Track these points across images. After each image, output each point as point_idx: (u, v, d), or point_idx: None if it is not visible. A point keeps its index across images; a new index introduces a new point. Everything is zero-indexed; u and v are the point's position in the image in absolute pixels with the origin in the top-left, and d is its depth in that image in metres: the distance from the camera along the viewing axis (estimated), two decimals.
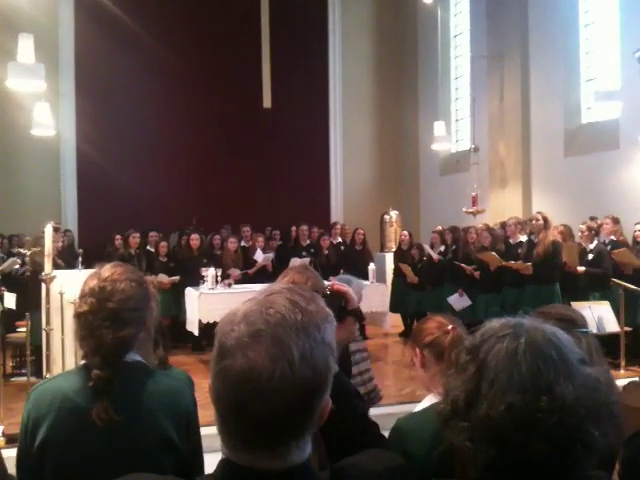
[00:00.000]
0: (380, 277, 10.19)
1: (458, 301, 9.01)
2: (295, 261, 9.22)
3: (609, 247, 8.05)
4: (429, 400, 2.15)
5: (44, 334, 5.44)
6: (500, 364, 1.10)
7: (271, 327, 0.98)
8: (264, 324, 0.98)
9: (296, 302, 1.02)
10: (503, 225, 9.24)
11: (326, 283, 2.28)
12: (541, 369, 1.08)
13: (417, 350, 2.23)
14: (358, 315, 1.43)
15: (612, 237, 8.21)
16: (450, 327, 2.11)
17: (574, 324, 1.89)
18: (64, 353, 5.21)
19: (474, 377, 1.12)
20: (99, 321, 1.74)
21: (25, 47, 7.40)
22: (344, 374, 1.52)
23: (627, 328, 7.34)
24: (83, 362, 1.79)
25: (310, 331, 0.99)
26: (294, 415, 0.98)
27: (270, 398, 0.95)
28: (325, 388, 1.02)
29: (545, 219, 7.94)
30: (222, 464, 1.04)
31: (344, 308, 1.41)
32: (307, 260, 9.70)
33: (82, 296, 1.81)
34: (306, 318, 1.00)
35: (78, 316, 1.79)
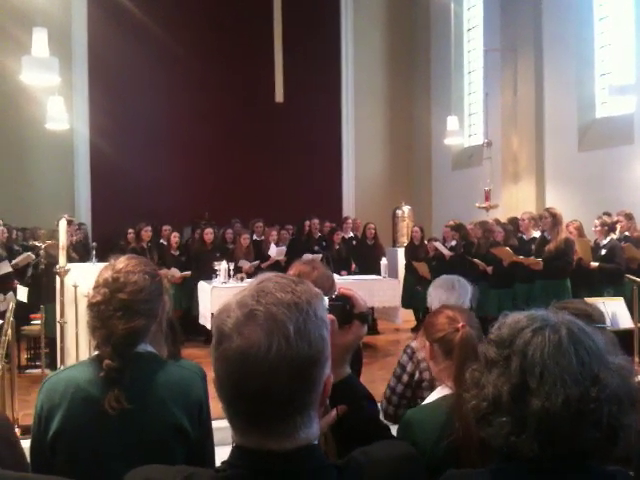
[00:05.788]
0: (392, 272, 10.16)
1: None
2: (307, 257, 9.20)
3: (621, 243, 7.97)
4: (438, 392, 2.15)
5: (58, 326, 5.47)
6: (546, 356, 1.10)
7: (263, 306, 1.02)
8: (257, 305, 1.02)
9: (285, 284, 1.06)
10: (514, 220, 9.18)
11: (336, 277, 2.29)
12: (585, 360, 1.09)
13: (427, 343, 2.23)
14: (364, 319, 1.43)
15: (626, 233, 8.13)
16: (460, 324, 2.10)
17: (591, 319, 1.88)
18: (78, 345, 5.22)
19: (516, 371, 1.11)
20: (111, 311, 1.76)
21: (39, 41, 7.41)
22: (355, 376, 1.52)
23: None
24: (96, 353, 1.81)
25: (302, 306, 1.03)
26: (295, 388, 1.01)
27: (269, 373, 0.98)
28: (323, 360, 1.04)
29: (554, 215, 7.83)
30: (233, 450, 1.06)
31: (350, 311, 1.41)
32: (319, 256, 9.68)
33: (96, 287, 1.83)
34: (296, 296, 1.04)
35: (91, 306, 1.80)
